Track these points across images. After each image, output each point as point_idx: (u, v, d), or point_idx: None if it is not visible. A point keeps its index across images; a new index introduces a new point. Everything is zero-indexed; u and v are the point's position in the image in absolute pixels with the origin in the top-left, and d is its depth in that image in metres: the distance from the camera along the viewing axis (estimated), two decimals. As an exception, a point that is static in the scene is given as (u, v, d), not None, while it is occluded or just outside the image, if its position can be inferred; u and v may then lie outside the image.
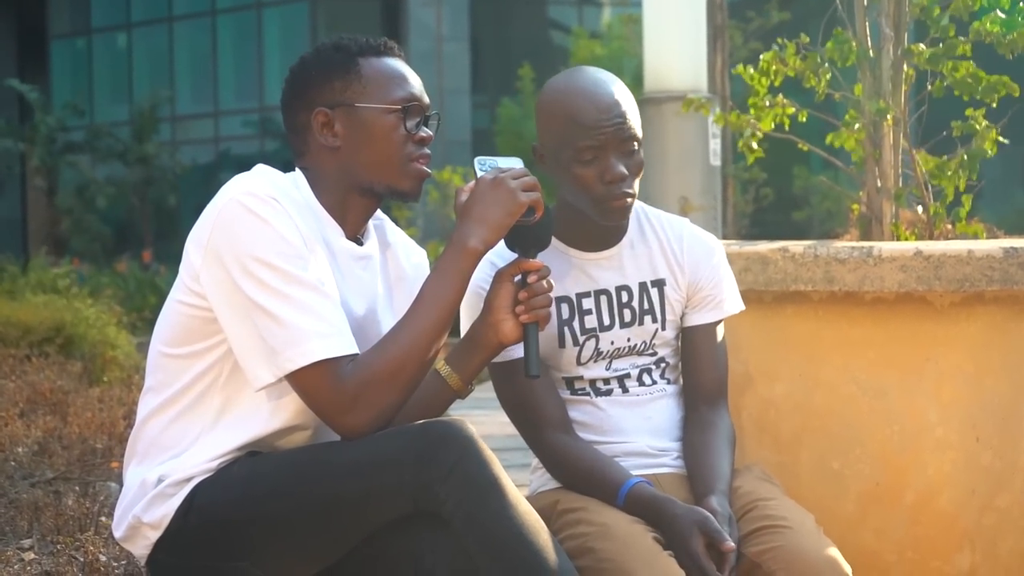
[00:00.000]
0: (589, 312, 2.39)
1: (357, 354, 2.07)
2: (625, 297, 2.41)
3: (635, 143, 2.31)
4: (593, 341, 2.39)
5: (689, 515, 2.21)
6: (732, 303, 2.48)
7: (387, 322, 2.21)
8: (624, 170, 2.29)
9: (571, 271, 2.40)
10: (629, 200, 2.32)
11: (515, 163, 2.20)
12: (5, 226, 28.09)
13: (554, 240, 2.38)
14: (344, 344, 2.05)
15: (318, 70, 2.20)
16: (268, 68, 25.69)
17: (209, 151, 27.62)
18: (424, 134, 2.21)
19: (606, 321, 2.40)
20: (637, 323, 2.41)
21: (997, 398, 2.81)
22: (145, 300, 12.25)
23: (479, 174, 2.16)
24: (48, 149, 24.72)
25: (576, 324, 2.39)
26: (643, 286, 2.42)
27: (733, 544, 2.18)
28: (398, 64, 2.23)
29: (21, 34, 29.89)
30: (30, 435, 4.57)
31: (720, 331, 2.46)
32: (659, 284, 2.43)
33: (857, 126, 3.49)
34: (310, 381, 2.04)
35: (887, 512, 2.81)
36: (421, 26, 25.02)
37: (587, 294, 2.40)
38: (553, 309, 2.36)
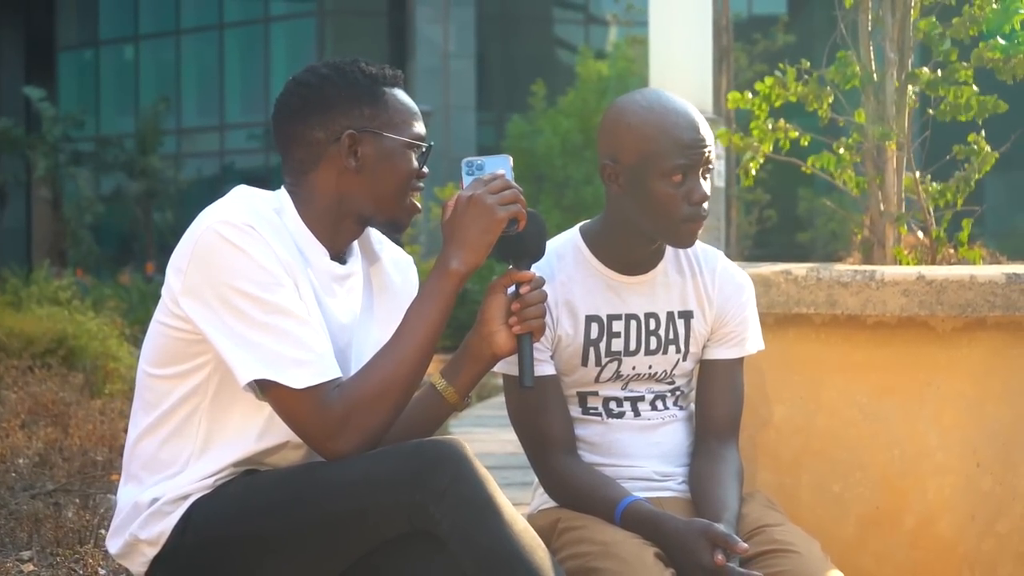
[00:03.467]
0: (617, 335, 2.39)
1: (340, 378, 2.07)
2: (653, 324, 2.41)
3: (713, 168, 2.35)
4: (615, 364, 2.39)
5: (691, 526, 2.20)
6: (754, 342, 2.47)
7: (371, 338, 2.21)
8: (707, 192, 2.31)
9: (605, 292, 2.39)
10: (703, 222, 2.33)
11: (503, 163, 2.17)
12: (10, 236, 28.11)
13: (592, 259, 2.39)
14: (327, 370, 2.05)
15: (346, 91, 2.18)
16: (274, 82, 25.75)
17: (214, 164, 27.66)
18: (426, 171, 2.23)
19: (632, 346, 2.39)
20: (661, 352, 2.41)
21: (998, 423, 2.81)
22: (147, 312, 12.23)
23: (465, 178, 2.16)
24: (54, 160, 24.75)
25: (603, 345, 2.38)
26: (671, 315, 2.42)
27: (746, 545, 2.17)
28: (410, 100, 2.25)
29: (29, 45, 29.97)
30: (31, 446, 4.58)
31: (739, 368, 2.44)
32: (687, 316, 2.42)
33: (841, 150, 3.50)
34: (294, 408, 2.04)
35: (887, 536, 2.81)
36: (428, 43, 25.08)
37: (618, 316, 2.39)
38: (582, 328, 2.36)
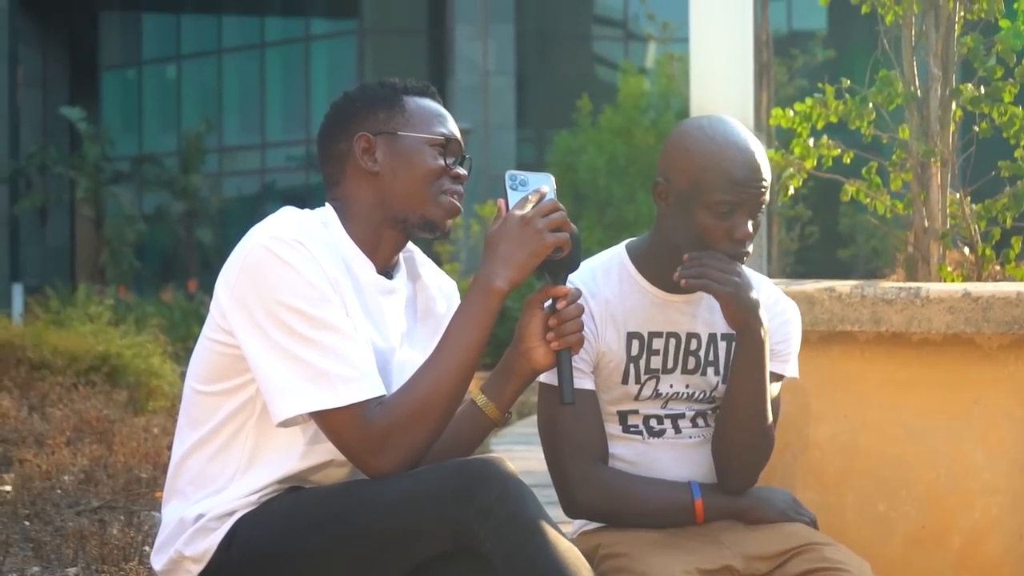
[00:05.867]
0: (656, 352, 2.38)
1: (384, 396, 2.08)
2: (693, 345, 2.39)
3: (763, 208, 2.32)
4: (654, 382, 2.38)
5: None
6: (792, 367, 2.44)
7: (414, 356, 2.22)
8: (751, 230, 2.28)
9: (648, 309, 2.38)
10: (746, 259, 2.31)
11: (546, 180, 2.17)
12: (54, 255, 28.41)
13: (637, 276, 2.38)
14: (371, 387, 2.06)
15: (363, 102, 2.24)
16: (315, 101, 25.93)
17: (255, 182, 27.86)
18: (460, 171, 2.24)
19: (669, 364, 2.38)
20: (700, 373, 2.39)
21: (1046, 442, 2.78)
22: (189, 330, 12.36)
23: (509, 192, 2.16)
24: (96, 179, 25.01)
25: (642, 363, 2.38)
26: (712, 337, 2.40)
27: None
28: (439, 106, 2.28)
29: (74, 64, 30.33)
30: (76, 463, 4.62)
31: (776, 388, 2.40)
32: (728, 338, 2.40)
33: (876, 174, 3.48)
34: (337, 424, 2.05)
35: (933, 555, 2.78)
36: (467, 61, 25.18)
37: (659, 334, 2.38)
38: (624, 344, 2.36)
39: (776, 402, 2.38)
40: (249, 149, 28.11)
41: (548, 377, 2.33)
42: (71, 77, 30.28)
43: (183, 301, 16.16)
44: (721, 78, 6.04)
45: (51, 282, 13.74)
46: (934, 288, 2.77)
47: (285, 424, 2.08)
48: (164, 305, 15.24)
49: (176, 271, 26.46)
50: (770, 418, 2.32)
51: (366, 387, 2.05)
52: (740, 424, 2.30)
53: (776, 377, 2.38)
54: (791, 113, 3.59)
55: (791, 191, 3.65)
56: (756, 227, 2.31)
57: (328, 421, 2.06)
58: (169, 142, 27.47)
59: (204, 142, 26.14)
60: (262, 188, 27.46)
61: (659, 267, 2.37)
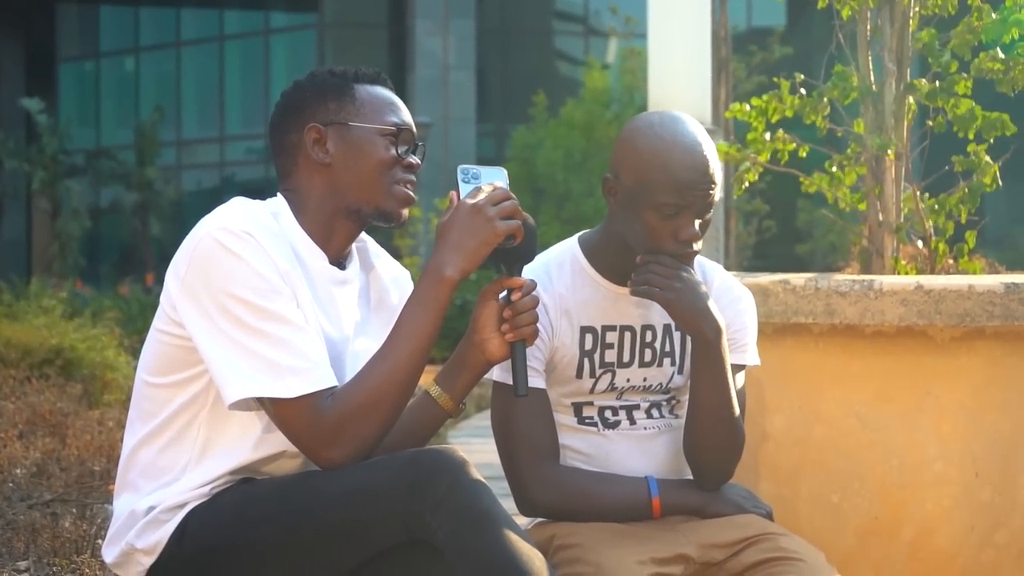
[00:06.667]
0: (611, 346, 2.37)
1: (336, 387, 2.07)
2: (649, 336, 2.39)
3: (712, 208, 2.29)
4: (609, 375, 2.38)
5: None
6: (752, 355, 2.43)
7: (368, 346, 2.20)
8: (698, 231, 2.26)
9: (601, 303, 2.37)
10: (693, 258, 2.29)
11: (499, 174, 2.17)
12: (10, 247, 28.12)
13: (589, 269, 2.37)
14: (321, 378, 2.05)
15: (313, 92, 2.22)
16: (274, 94, 25.77)
17: (214, 176, 27.69)
18: (413, 160, 2.22)
19: (625, 358, 2.38)
20: (656, 364, 2.39)
21: (997, 433, 2.80)
22: (146, 323, 12.24)
23: (460, 185, 2.15)
24: (53, 171, 24.78)
25: (597, 356, 2.37)
26: (667, 328, 2.40)
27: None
28: (390, 94, 2.26)
29: (30, 56, 30.00)
30: (29, 456, 4.57)
31: (740, 379, 2.39)
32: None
33: (835, 168, 3.49)
34: (288, 416, 2.04)
35: (886, 547, 2.80)
36: (428, 55, 25.13)
37: (612, 328, 2.38)
38: (577, 338, 2.35)
39: (741, 392, 2.38)
40: (208, 142, 27.93)
41: (501, 375, 2.32)
42: (27, 69, 29.96)
43: (140, 294, 16.04)
44: (679, 73, 6.06)
45: (6, 276, 13.60)
46: (887, 281, 2.79)
47: (237, 408, 2.06)
48: (121, 299, 15.12)
49: (133, 265, 26.27)
50: (737, 411, 2.31)
51: (316, 378, 2.04)
52: (708, 423, 2.30)
53: (737, 368, 2.38)
54: (747, 107, 3.60)
55: (745, 184, 3.66)
56: (705, 226, 2.29)
57: (279, 412, 2.04)
58: (127, 135, 27.25)
59: (160, 134, 25.95)
60: (221, 181, 27.30)
61: (611, 261, 2.36)
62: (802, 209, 18.13)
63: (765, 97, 3.58)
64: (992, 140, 3.45)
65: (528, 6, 27.09)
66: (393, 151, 2.20)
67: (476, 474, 2.00)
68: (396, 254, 13.72)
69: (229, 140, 27.65)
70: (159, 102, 27.21)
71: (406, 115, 2.24)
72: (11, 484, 4.29)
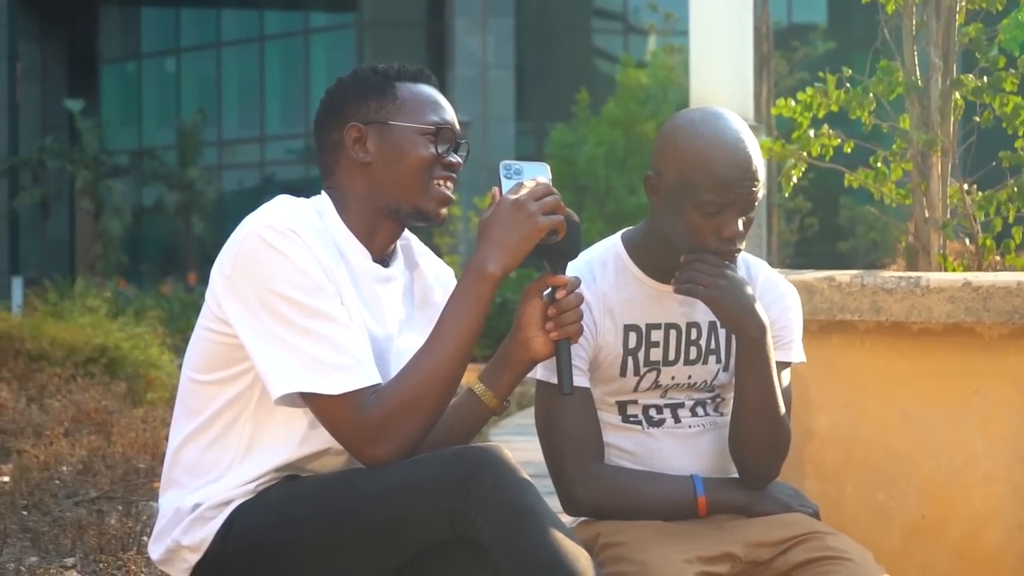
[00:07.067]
0: (656, 344, 2.35)
1: (380, 384, 2.07)
2: (694, 334, 2.37)
3: (756, 205, 2.27)
4: (654, 374, 2.36)
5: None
6: (798, 352, 2.41)
7: (410, 344, 2.20)
8: (741, 229, 2.23)
9: (645, 301, 2.35)
10: (736, 256, 2.27)
11: (541, 170, 2.15)
12: (55, 247, 28.40)
13: (632, 267, 2.35)
14: (365, 375, 2.05)
15: (355, 90, 2.22)
16: (314, 94, 25.88)
17: (254, 175, 27.84)
18: (453, 160, 2.21)
19: (671, 356, 2.36)
20: (701, 362, 2.37)
21: (1046, 432, 2.77)
22: (188, 322, 12.33)
23: (503, 181, 2.14)
24: (95, 172, 24.99)
25: (641, 355, 2.35)
26: (712, 325, 2.37)
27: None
28: (433, 91, 2.25)
29: (72, 58, 30.28)
30: (74, 454, 4.61)
31: (785, 376, 2.37)
32: None
33: (879, 163, 3.46)
34: (332, 413, 2.04)
35: (933, 546, 2.77)
36: (467, 53, 25.15)
37: (657, 326, 2.36)
38: (621, 337, 2.34)
39: (787, 390, 2.36)
40: (248, 142, 28.09)
41: (545, 374, 2.31)
42: (70, 71, 30.23)
43: (182, 293, 16.15)
44: (720, 70, 6.03)
45: (50, 275, 13.73)
46: (934, 277, 2.76)
47: (283, 403, 2.07)
48: (163, 298, 15.24)
49: (176, 264, 26.46)
50: (782, 410, 2.30)
51: (361, 375, 2.04)
52: (753, 421, 2.28)
53: (783, 365, 2.35)
54: (792, 103, 3.57)
55: (794, 182, 3.63)
56: (749, 223, 2.26)
57: (323, 410, 2.05)
58: (168, 135, 27.45)
59: (201, 134, 26.12)
60: (261, 181, 27.44)
61: (654, 259, 2.34)
62: (844, 206, 18.01)
63: (810, 90, 3.55)
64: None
65: (567, 4, 27.06)
66: (433, 150, 2.19)
67: (521, 472, 1.99)
68: (436, 252, 13.72)
69: (269, 140, 27.79)
70: (200, 102, 27.40)
71: (448, 113, 2.23)
72: (57, 481, 4.33)
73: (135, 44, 30.23)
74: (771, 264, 2.55)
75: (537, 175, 2.14)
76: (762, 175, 2.25)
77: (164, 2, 29.83)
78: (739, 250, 2.26)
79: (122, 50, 30.41)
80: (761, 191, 2.25)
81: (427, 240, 13.94)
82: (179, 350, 8.12)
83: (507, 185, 2.13)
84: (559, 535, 1.96)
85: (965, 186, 3.49)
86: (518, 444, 5.32)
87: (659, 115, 19.11)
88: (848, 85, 3.57)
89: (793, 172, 3.62)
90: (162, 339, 7.39)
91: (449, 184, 2.21)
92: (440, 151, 2.20)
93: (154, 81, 30.06)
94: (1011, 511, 2.75)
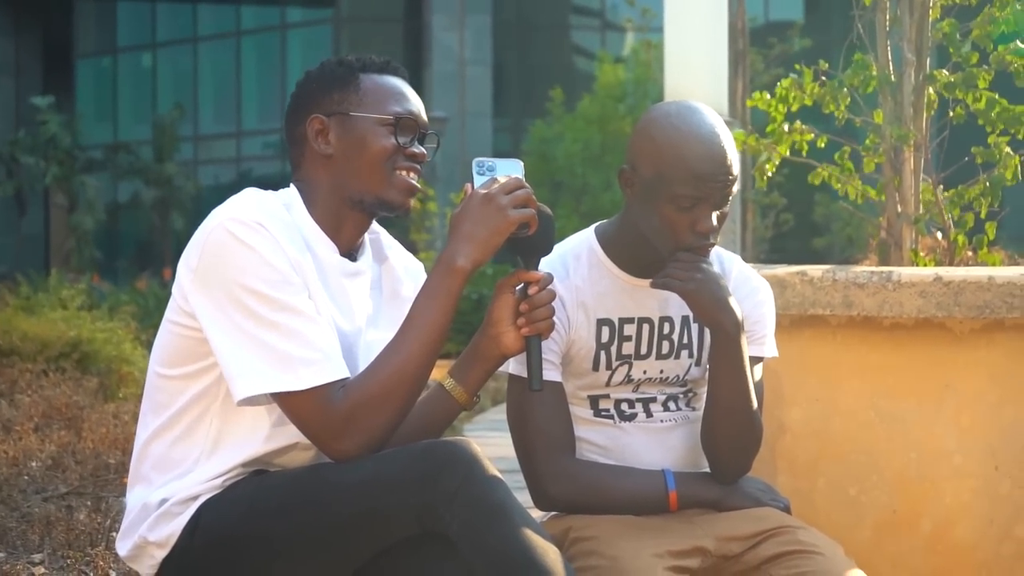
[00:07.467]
0: (628, 339, 2.35)
1: (347, 378, 2.05)
2: (667, 329, 2.36)
3: (730, 200, 2.27)
4: (626, 368, 2.35)
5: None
6: (771, 347, 2.41)
7: (378, 338, 2.19)
8: (716, 223, 2.23)
9: (618, 294, 2.35)
10: (710, 250, 2.27)
11: (514, 167, 2.14)
12: (29, 242, 28.25)
13: (606, 261, 2.35)
14: (333, 370, 2.04)
15: (319, 82, 2.21)
16: (291, 89, 25.78)
17: (231, 171, 27.75)
18: (416, 150, 2.20)
19: (643, 350, 2.36)
20: (673, 356, 2.37)
21: (1017, 426, 2.77)
22: (163, 318, 12.26)
23: (475, 177, 2.13)
24: (69, 167, 24.87)
25: (614, 349, 2.35)
26: (685, 320, 2.37)
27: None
28: (398, 82, 2.23)
29: (47, 52, 30.10)
30: (44, 449, 4.58)
31: (758, 371, 2.37)
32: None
33: (846, 158, 3.46)
34: (300, 408, 2.03)
35: (904, 540, 2.77)
36: (444, 49, 25.12)
37: (630, 320, 2.35)
38: (594, 331, 2.33)
39: (759, 385, 2.36)
40: (225, 137, 27.99)
41: (517, 368, 2.30)
42: (45, 66, 30.06)
43: (157, 289, 16.06)
44: (696, 65, 6.04)
45: (24, 271, 13.63)
46: (906, 272, 2.77)
47: (246, 403, 2.05)
48: (139, 294, 15.15)
49: (152, 260, 26.35)
50: (755, 405, 2.29)
51: (328, 370, 2.03)
52: (726, 416, 2.28)
53: (755, 360, 2.35)
54: (767, 97, 3.57)
55: (768, 175, 3.63)
56: (723, 218, 2.26)
57: (291, 404, 2.03)
58: (144, 130, 27.33)
59: (177, 129, 26.02)
60: (238, 176, 27.35)
61: (628, 252, 2.34)
62: (819, 203, 18.07)
63: (785, 82, 3.54)
64: (1020, 135, 3.41)
65: (544, 1, 27.06)
66: (392, 140, 2.17)
67: (490, 466, 1.98)
68: (412, 249, 13.71)
69: (246, 135, 27.70)
70: (176, 97, 27.28)
71: (412, 104, 2.21)
72: (26, 477, 4.29)
73: (111, 39, 30.09)
74: (745, 260, 2.54)
75: (510, 172, 2.13)
76: (737, 170, 2.25)
77: (140, -4, 29.70)
78: (713, 244, 2.26)
79: (97, 45, 30.26)
80: (736, 185, 2.25)
81: (403, 237, 13.92)
82: (152, 345, 8.06)
83: (479, 181, 2.12)
84: (528, 530, 1.95)
85: (935, 181, 3.49)
86: (492, 440, 5.31)
87: (636, 111, 19.15)
88: (824, 79, 3.57)
89: (767, 166, 3.62)
90: (135, 334, 7.34)
91: (413, 174, 2.20)
92: (401, 141, 2.18)
93: (130, 76, 29.93)
94: (982, 505, 2.75)
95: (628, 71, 20.15)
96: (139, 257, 27.51)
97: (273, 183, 2.26)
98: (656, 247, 2.27)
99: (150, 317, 11.50)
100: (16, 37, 29.45)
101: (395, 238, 2.36)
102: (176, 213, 25.71)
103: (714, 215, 2.22)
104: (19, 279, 10.56)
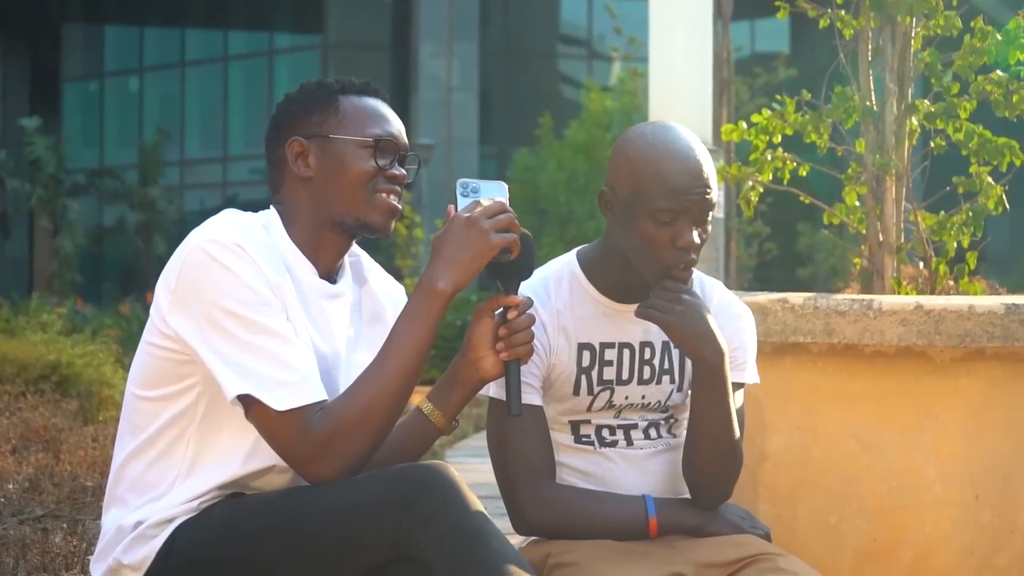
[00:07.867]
0: (609, 364, 2.34)
1: (325, 401, 2.04)
2: (647, 354, 2.36)
3: (711, 214, 2.26)
4: (608, 393, 2.35)
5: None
6: (752, 373, 2.40)
7: (358, 361, 2.18)
8: (697, 239, 2.23)
9: (599, 319, 2.34)
10: (692, 267, 2.26)
11: (498, 189, 2.14)
12: (13, 265, 28.17)
13: (587, 285, 2.34)
14: (311, 392, 2.02)
15: (299, 104, 2.21)
16: (277, 114, 25.83)
17: (217, 195, 27.74)
18: (397, 172, 2.19)
19: (624, 375, 2.35)
20: (655, 382, 2.36)
21: (997, 455, 2.77)
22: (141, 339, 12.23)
23: (459, 199, 2.13)
24: (54, 190, 24.85)
25: (595, 374, 2.34)
26: (666, 345, 2.36)
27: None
28: (378, 104, 2.23)
29: (35, 76, 30.11)
30: (21, 472, 4.54)
31: (739, 397, 2.36)
32: None
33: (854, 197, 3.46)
34: (277, 430, 2.01)
35: (884, 569, 2.77)
36: (431, 77, 25.20)
37: (611, 345, 2.34)
38: (575, 355, 2.32)
39: (740, 412, 2.35)
40: (211, 162, 27.99)
41: (498, 392, 2.29)
42: (32, 89, 30.06)
43: (140, 313, 16.03)
44: (680, 94, 6.06)
45: (7, 293, 13.60)
46: (887, 301, 2.77)
47: (235, 404, 2.03)
48: (122, 317, 15.12)
49: (135, 284, 26.29)
50: (737, 434, 2.29)
51: (307, 392, 2.01)
52: (708, 445, 2.27)
53: (737, 386, 2.35)
54: (744, 126, 3.58)
55: (753, 202, 3.63)
56: (704, 235, 2.26)
57: (268, 425, 2.02)
58: (131, 154, 27.32)
59: (163, 153, 26.03)
60: (224, 201, 27.34)
61: (609, 277, 2.33)
62: (803, 233, 18.12)
63: (766, 113, 3.56)
64: (1003, 167, 3.42)
65: (532, 29, 27.17)
66: (372, 163, 2.17)
67: (468, 491, 1.97)
68: (397, 275, 13.70)
69: (232, 160, 27.71)
70: (163, 122, 27.29)
71: (393, 126, 2.21)
72: (2, 499, 4.26)
73: (98, 63, 30.10)
74: (728, 288, 2.54)
75: (494, 194, 2.13)
76: (714, 183, 2.25)
77: (128, 21, 29.72)
78: (694, 261, 2.26)
79: (85, 68, 30.27)
80: (715, 196, 2.25)
81: (388, 263, 13.90)
82: (132, 368, 8.03)
83: (463, 203, 2.12)
84: (506, 555, 1.94)
85: (916, 210, 3.50)
86: (473, 465, 5.29)
87: (622, 140, 19.21)
88: (807, 109, 3.58)
89: (751, 194, 3.62)
90: (117, 357, 7.31)
91: (394, 196, 2.19)
92: (381, 163, 2.17)
93: (117, 100, 29.93)
94: (962, 534, 2.75)
95: (615, 99, 20.22)
96: (123, 281, 27.45)
97: (259, 207, 2.25)
98: (639, 268, 2.27)
99: (133, 341, 11.46)
100: (4, 60, 29.47)
101: (380, 264, 2.36)
102: (159, 237, 25.69)
103: (695, 231, 2.23)
104: (0, 302, 10.52)
